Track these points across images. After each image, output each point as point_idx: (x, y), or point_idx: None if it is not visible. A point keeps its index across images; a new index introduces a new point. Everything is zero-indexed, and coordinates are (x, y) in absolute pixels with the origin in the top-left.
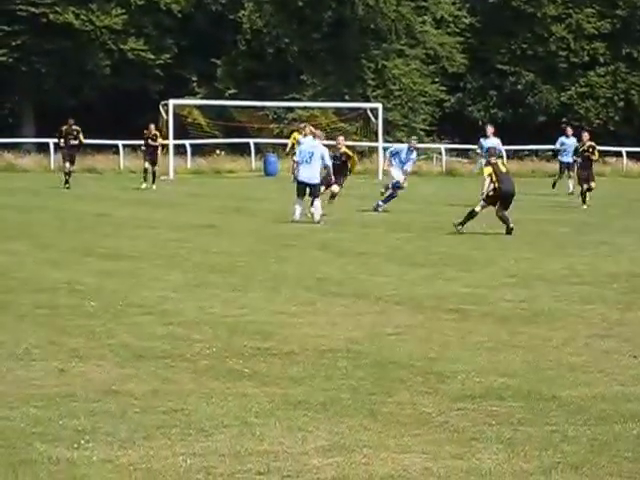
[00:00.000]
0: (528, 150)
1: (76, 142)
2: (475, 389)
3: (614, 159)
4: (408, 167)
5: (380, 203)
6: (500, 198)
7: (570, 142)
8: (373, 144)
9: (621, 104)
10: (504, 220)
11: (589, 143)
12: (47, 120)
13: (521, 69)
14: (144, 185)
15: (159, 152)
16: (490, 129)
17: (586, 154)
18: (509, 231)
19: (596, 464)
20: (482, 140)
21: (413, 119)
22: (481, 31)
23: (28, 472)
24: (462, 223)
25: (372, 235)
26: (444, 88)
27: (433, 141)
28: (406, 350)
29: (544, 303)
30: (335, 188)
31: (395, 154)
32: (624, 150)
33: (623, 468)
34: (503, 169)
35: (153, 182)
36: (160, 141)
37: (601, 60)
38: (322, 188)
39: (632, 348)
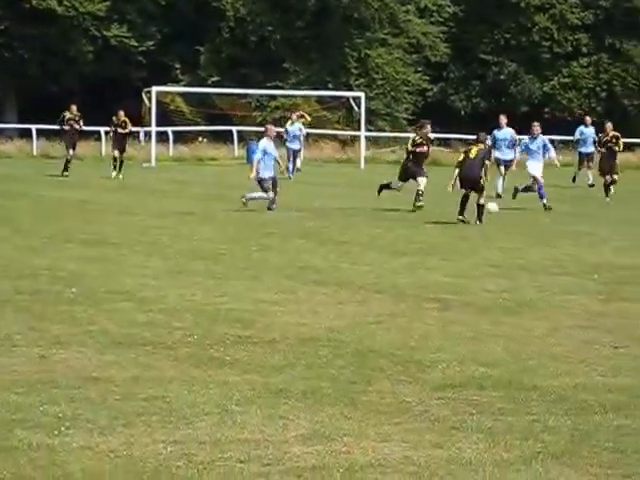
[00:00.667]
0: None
1: (78, 127)
2: (456, 378)
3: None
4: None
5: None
6: (460, 181)
7: (589, 131)
8: (356, 133)
9: (603, 95)
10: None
11: (612, 133)
12: (29, 106)
13: (504, 59)
14: (114, 174)
15: (128, 139)
16: (503, 119)
17: (609, 144)
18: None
19: (576, 454)
20: (495, 131)
21: (396, 108)
22: (464, 21)
23: (8, 459)
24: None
25: (354, 224)
26: (427, 77)
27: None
28: (387, 339)
29: (526, 293)
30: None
31: (525, 147)
32: None
33: (603, 458)
34: (472, 155)
35: (120, 170)
36: (130, 128)
37: (584, 51)
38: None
39: (613, 339)
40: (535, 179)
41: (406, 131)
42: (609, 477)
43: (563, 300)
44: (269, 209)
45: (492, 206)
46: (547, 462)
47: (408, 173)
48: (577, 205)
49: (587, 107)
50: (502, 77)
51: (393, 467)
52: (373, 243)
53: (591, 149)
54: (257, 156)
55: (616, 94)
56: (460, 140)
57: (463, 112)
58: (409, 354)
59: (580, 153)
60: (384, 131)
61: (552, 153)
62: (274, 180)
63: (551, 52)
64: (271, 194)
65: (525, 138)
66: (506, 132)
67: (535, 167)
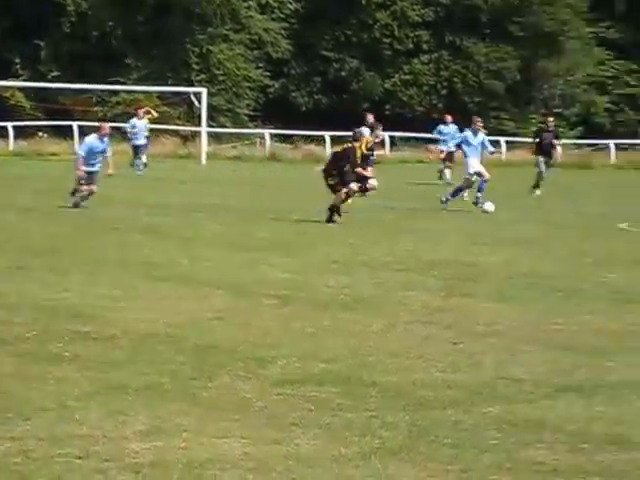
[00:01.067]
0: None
1: None
2: (295, 374)
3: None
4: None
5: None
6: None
7: (449, 130)
8: (197, 129)
9: (444, 92)
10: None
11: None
12: None
13: (345, 56)
14: None
15: None
16: (449, 117)
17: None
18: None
19: (415, 449)
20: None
21: (237, 104)
22: (306, 17)
23: None
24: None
25: (196, 220)
26: (268, 74)
27: (257, 126)
28: (227, 335)
29: (366, 289)
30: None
31: (464, 142)
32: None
33: (441, 454)
34: (359, 152)
35: None
36: None
37: (425, 48)
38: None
39: (452, 335)
40: (480, 174)
41: (247, 127)
42: (447, 473)
43: (403, 296)
44: (77, 205)
45: (488, 206)
46: (385, 458)
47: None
48: (422, 202)
49: (428, 104)
50: (343, 74)
51: (232, 463)
52: (215, 239)
53: (453, 147)
54: (81, 153)
55: (456, 91)
56: (302, 136)
57: (304, 108)
58: (249, 350)
59: (442, 151)
60: (226, 127)
61: (490, 148)
62: (92, 175)
63: (392, 49)
64: (85, 189)
65: (467, 132)
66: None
67: (475, 163)
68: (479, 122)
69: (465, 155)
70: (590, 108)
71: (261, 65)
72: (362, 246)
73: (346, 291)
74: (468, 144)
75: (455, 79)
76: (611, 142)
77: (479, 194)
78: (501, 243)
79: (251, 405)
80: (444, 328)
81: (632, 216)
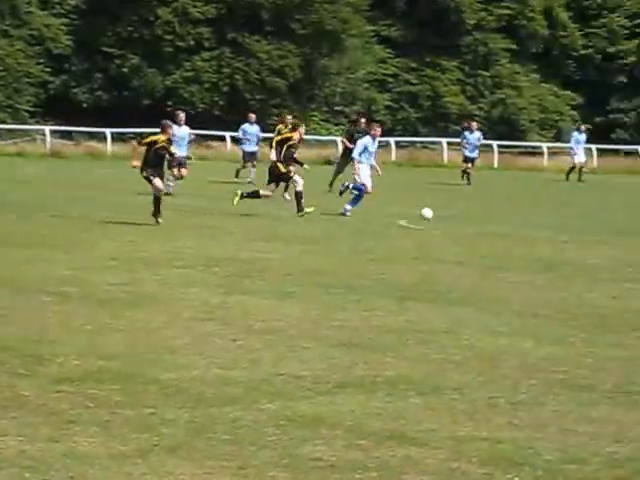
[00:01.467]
0: (133, 133)
1: None
2: (74, 372)
3: (217, 143)
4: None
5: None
6: None
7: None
8: None
9: (226, 89)
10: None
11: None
12: None
13: (127, 52)
14: None
15: None
16: (474, 124)
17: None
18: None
19: (193, 446)
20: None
21: (17, 100)
22: (87, 13)
23: None
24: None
25: None
26: (48, 69)
27: (37, 122)
28: (5, 332)
29: (146, 286)
30: None
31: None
32: (228, 135)
33: (220, 450)
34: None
35: None
36: None
37: (206, 45)
38: None
39: (232, 331)
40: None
41: (28, 123)
42: (225, 469)
43: (183, 293)
44: None
45: (426, 212)
46: (163, 455)
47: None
48: (209, 200)
49: (209, 101)
50: (125, 70)
51: (8, 461)
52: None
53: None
54: None
55: (238, 88)
56: (83, 133)
57: (85, 104)
58: (27, 347)
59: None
60: (6, 123)
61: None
62: None
63: (173, 45)
64: None
65: (367, 138)
66: (476, 135)
67: (366, 172)
68: (377, 128)
69: (360, 162)
70: (371, 106)
71: (42, 61)
72: (142, 243)
73: (126, 288)
74: (366, 151)
75: (237, 76)
76: (391, 140)
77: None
78: (281, 240)
79: (28, 402)
80: (224, 325)
81: (411, 213)
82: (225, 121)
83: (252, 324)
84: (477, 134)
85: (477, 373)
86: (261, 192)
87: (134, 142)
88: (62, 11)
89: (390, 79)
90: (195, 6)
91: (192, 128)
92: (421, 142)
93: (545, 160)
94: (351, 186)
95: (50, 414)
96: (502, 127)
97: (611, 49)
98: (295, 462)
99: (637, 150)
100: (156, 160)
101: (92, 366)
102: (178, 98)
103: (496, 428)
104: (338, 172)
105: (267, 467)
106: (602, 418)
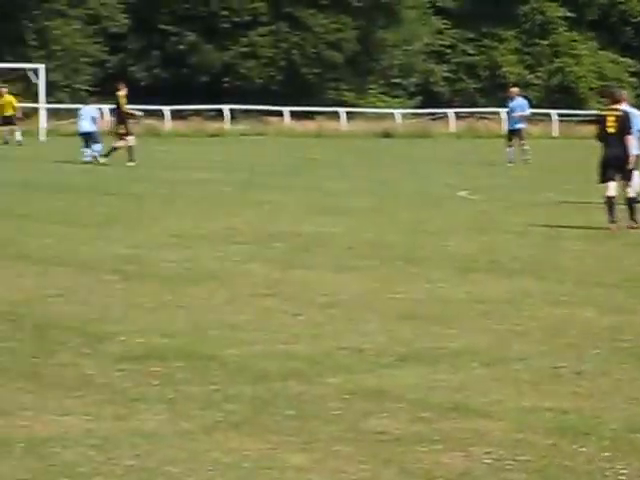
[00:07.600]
0: (191, 110)
1: None
2: (137, 350)
3: (275, 119)
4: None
5: None
6: None
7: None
8: (34, 105)
9: (283, 63)
10: None
11: None
12: None
13: (183, 29)
14: None
15: None
16: (515, 90)
17: None
18: None
19: (257, 422)
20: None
21: (75, 79)
22: None
23: None
24: None
25: (35, 197)
26: (106, 49)
27: (96, 102)
28: (68, 312)
29: (206, 263)
30: None
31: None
32: (286, 110)
33: (284, 426)
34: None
35: None
36: None
37: (262, 20)
38: None
39: (294, 306)
40: None
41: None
42: (289, 444)
43: (243, 269)
44: None
45: None
46: (228, 431)
47: None
48: (259, 176)
49: (267, 76)
50: (181, 47)
51: (75, 440)
52: (54, 215)
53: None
54: None
55: (295, 62)
56: (143, 110)
57: (143, 83)
58: (90, 326)
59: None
60: (64, 103)
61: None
62: None
63: (230, 21)
64: None
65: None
66: (519, 102)
67: None
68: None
69: None
70: (429, 78)
71: (99, 40)
72: (202, 219)
73: (187, 265)
74: None
75: (293, 51)
76: (450, 111)
77: None
78: (341, 213)
79: (93, 381)
80: (285, 300)
81: (471, 184)
82: (283, 96)
83: (313, 298)
84: (518, 100)
85: (540, 343)
86: None
87: None
88: None
89: (447, 50)
90: None
91: (249, 104)
92: (480, 113)
93: None
94: None
95: (114, 393)
96: (561, 96)
97: None
98: (360, 436)
99: None
100: None
101: (155, 344)
102: (235, 74)
103: (561, 398)
104: None
105: (332, 441)
106: None
